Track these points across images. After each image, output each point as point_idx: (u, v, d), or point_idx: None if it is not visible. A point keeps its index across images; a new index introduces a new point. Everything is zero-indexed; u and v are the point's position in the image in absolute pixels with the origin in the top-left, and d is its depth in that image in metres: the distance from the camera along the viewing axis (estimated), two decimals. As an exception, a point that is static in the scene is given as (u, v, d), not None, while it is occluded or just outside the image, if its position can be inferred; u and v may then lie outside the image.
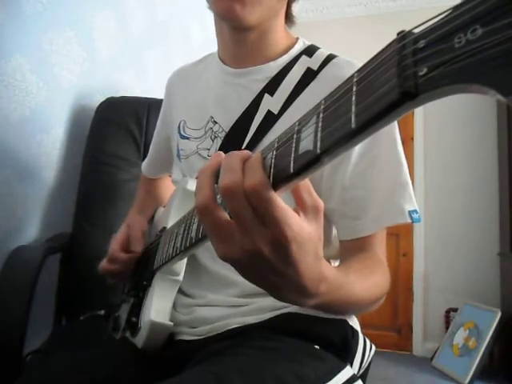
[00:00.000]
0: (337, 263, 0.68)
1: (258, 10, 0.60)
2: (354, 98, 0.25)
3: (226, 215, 0.34)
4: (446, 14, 0.21)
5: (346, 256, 0.63)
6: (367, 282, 0.53)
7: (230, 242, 0.34)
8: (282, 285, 0.36)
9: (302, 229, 0.33)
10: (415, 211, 0.61)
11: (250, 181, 0.32)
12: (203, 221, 0.35)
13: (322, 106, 0.29)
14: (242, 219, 0.33)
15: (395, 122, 0.62)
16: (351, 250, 0.62)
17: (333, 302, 0.43)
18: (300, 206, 0.34)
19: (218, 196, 0.36)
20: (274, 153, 0.32)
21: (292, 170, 0.30)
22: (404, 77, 0.22)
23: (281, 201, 0.32)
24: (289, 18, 0.72)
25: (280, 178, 0.31)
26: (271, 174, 0.32)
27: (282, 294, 0.37)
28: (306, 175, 0.30)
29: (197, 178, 0.37)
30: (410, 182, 0.62)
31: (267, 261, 0.33)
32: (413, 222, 0.60)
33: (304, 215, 0.34)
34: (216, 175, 0.35)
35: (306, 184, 0.34)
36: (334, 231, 0.67)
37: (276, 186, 0.31)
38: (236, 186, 0.32)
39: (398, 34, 0.24)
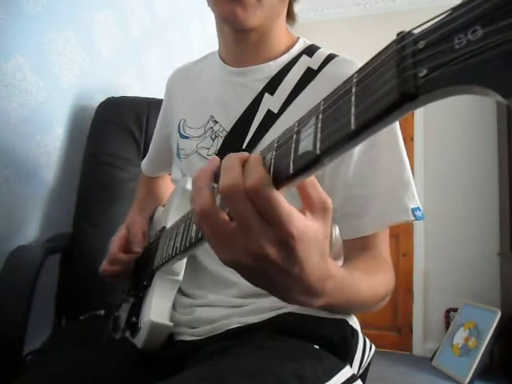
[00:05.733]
0: (340, 263, 0.67)
1: (259, 12, 0.61)
2: (353, 99, 0.25)
3: (226, 218, 0.34)
4: (445, 14, 0.21)
5: (350, 255, 0.62)
6: (372, 280, 0.52)
7: (233, 245, 0.33)
8: (288, 286, 0.35)
9: (308, 227, 0.32)
10: (418, 209, 0.60)
11: (250, 179, 0.31)
12: (203, 225, 0.34)
13: (322, 107, 0.29)
14: (244, 220, 0.31)
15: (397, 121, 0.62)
16: (355, 249, 0.61)
17: (339, 300, 0.43)
18: (306, 203, 0.33)
19: (217, 197, 0.36)
20: (274, 153, 0.32)
21: (292, 171, 0.29)
22: (404, 78, 0.22)
23: (283, 199, 0.31)
24: (290, 16, 0.72)
25: (281, 177, 0.30)
26: (271, 174, 0.31)
27: (290, 295, 0.36)
28: (306, 176, 0.30)
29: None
30: (412, 179, 0.62)
31: (274, 263, 0.32)
32: (416, 220, 0.59)
33: (310, 213, 0.33)
34: (213, 178, 0.35)
35: (313, 181, 0.33)
36: (337, 231, 0.67)
37: (277, 184, 0.31)
38: (236, 185, 0.31)
39: (398, 34, 0.24)
